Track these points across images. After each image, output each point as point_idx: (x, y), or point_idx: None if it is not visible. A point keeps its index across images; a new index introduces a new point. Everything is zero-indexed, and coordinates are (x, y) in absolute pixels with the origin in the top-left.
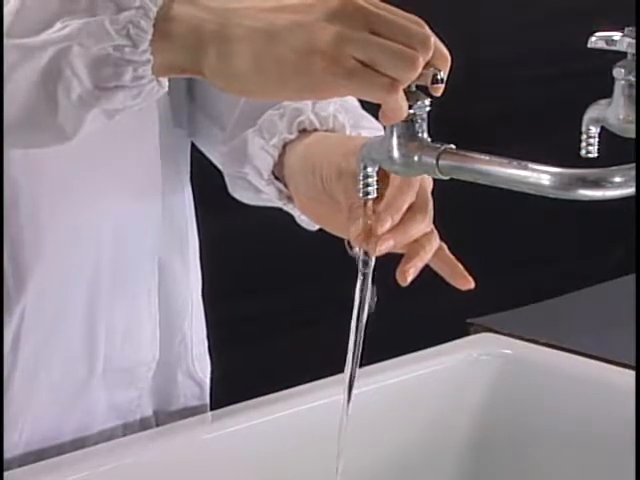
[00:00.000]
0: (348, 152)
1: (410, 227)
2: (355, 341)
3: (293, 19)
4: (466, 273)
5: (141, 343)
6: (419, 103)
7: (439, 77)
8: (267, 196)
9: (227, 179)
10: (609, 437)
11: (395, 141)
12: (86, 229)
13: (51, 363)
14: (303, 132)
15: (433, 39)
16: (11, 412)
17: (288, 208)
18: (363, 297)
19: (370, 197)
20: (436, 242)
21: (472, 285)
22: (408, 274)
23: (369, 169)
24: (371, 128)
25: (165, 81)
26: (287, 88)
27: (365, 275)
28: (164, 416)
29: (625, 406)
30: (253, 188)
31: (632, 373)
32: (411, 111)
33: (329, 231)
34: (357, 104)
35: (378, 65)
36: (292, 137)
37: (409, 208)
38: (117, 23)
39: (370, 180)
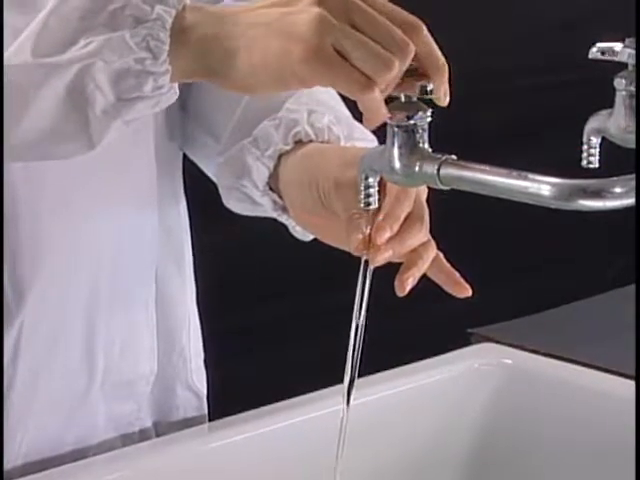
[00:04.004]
0: (345, 163)
1: (408, 237)
2: (354, 349)
3: (283, 10)
4: (463, 281)
5: (139, 356)
6: (420, 114)
7: (428, 89)
8: (262, 207)
9: (221, 190)
10: (609, 446)
11: (396, 151)
12: (85, 243)
13: (50, 375)
14: (298, 143)
15: (428, 48)
16: (11, 423)
17: (283, 219)
18: (361, 305)
19: (371, 207)
20: (433, 251)
21: (469, 292)
22: (407, 284)
23: (370, 179)
24: (364, 139)
25: (177, 87)
26: (271, 77)
27: (364, 285)
28: (164, 428)
29: (625, 415)
30: (248, 199)
31: (632, 383)
32: (412, 121)
33: (326, 242)
34: (348, 114)
35: (353, 59)
36: (287, 148)
37: (406, 218)
38: (137, 36)
39: (371, 190)
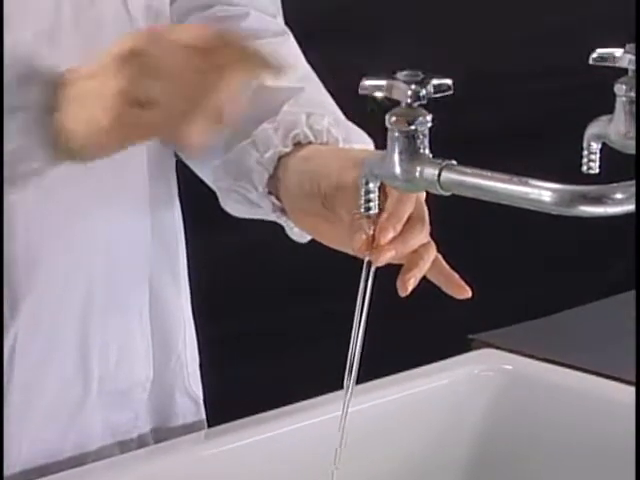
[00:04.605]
0: (346, 165)
1: (410, 237)
2: (353, 356)
3: (94, 84)
4: (462, 282)
5: (135, 363)
6: (420, 119)
7: (421, 95)
8: (261, 209)
9: (219, 192)
10: (609, 452)
11: (397, 157)
12: (78, 246)
13: (46, 384)
14: (297, 145)
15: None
16: (8, 431)
17: (281, 221)
18: (363, 307)
19: (372, 212)
20: (433, 252)
21: (469, 294)
22: (409, 284)
23: (371, 185)
24: (362, 142)
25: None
26: (91, 147)
27: (366, 286)
28: (162, 435)
29: (625, 421)
30: (247, 201)
31: (632, 389)
32: (412, 127)
33: (326, 244)
34: (343, 116)
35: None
36: (287, 150)
37: (408, 219)
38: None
39: (372, 196)
